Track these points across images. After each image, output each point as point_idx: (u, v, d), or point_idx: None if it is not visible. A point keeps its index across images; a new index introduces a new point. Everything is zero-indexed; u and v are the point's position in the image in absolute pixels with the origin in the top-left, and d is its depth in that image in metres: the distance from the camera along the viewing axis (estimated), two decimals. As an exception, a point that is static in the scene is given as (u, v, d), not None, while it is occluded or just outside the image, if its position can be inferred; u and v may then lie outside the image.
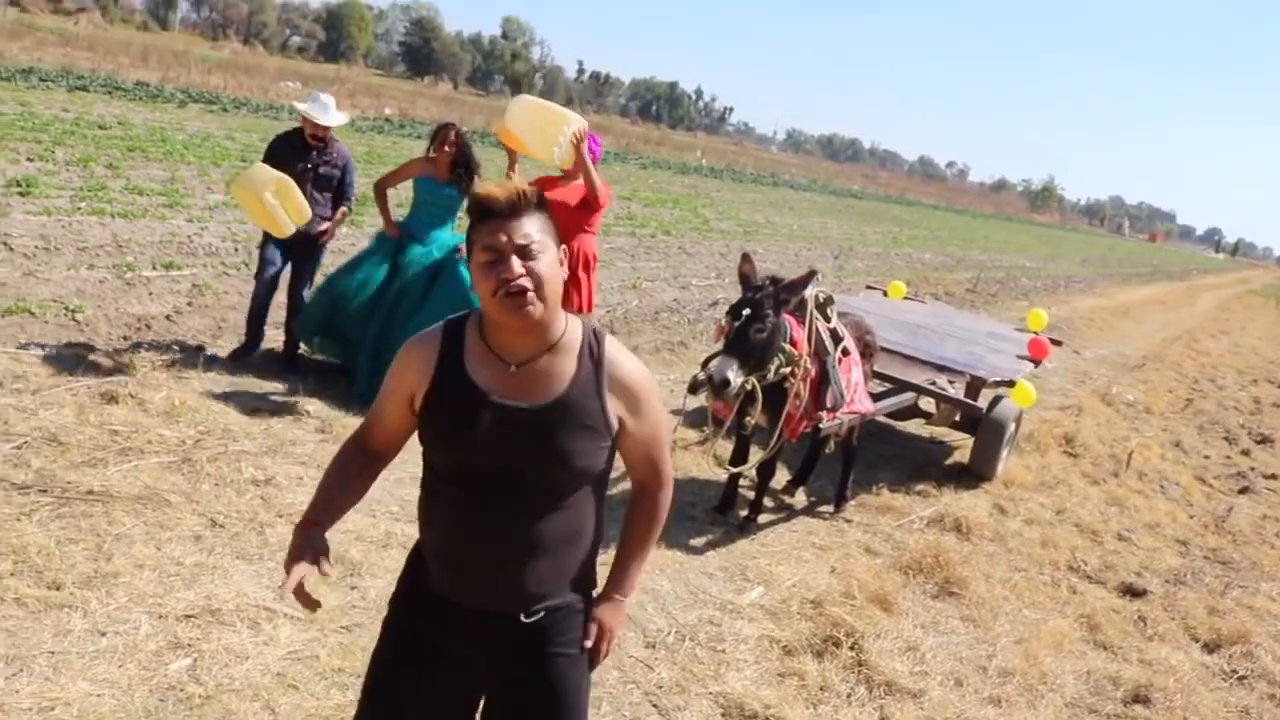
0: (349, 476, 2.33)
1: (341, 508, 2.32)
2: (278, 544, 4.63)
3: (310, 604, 2.16)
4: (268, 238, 7.08)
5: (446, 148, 6.95)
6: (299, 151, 6.99)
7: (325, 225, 7.16)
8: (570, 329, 2.21)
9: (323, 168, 7.05)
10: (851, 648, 4.72)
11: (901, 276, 17.47)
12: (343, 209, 7.23)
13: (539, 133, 6.19)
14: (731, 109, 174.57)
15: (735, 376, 5.26)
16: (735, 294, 5.78)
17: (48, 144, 14.49)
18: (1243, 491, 9.57)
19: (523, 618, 2.24)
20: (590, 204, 6.32)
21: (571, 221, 6.15)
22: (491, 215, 2.09)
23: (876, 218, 41.82)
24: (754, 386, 5.46)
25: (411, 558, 2.40)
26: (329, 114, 6.99)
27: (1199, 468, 10.19)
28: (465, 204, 7.15)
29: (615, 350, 2.25)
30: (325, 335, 7.20)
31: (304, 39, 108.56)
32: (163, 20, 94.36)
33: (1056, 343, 9.62)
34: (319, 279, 7.45)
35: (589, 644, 2.34)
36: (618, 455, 2.32)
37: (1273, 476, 10.34)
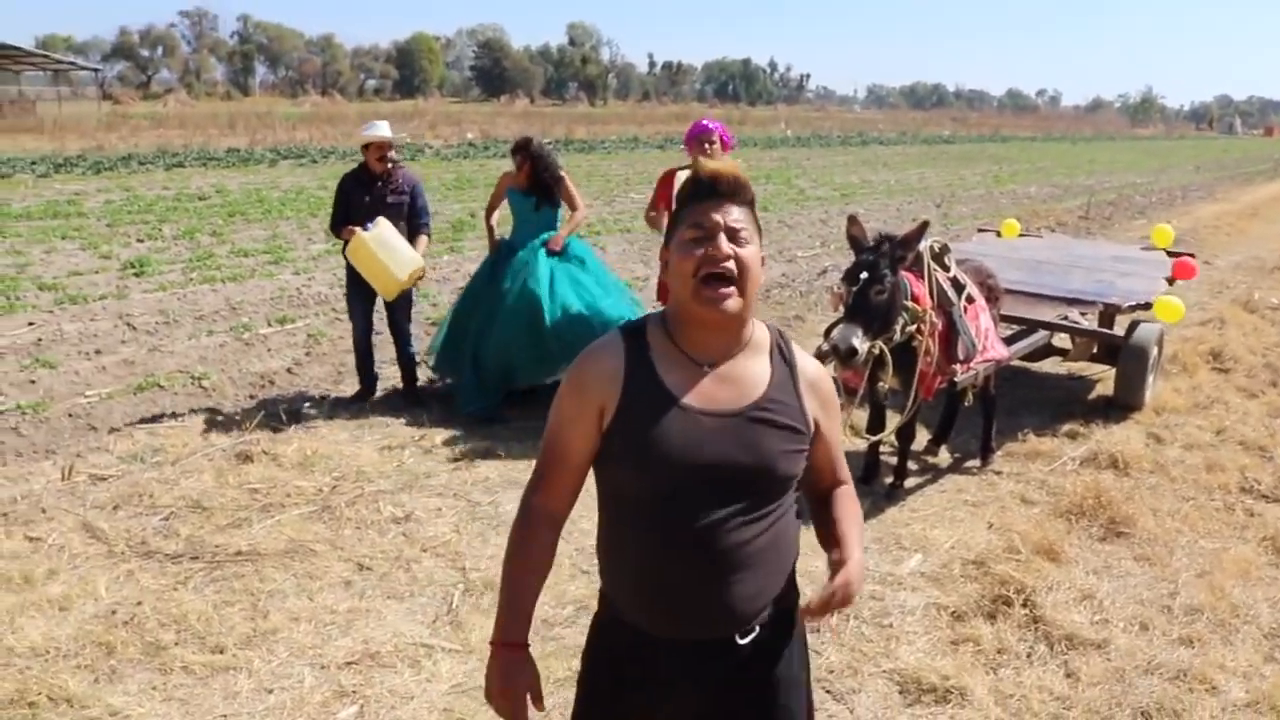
0: (538, 562, 2.07)
1: (534, 604, 2.09)
2: (425, 579, 4.65)
3: None
4: (351, 283, 7.12)
5: (522, 168, 7.05)
6: (364, 186, 7.02)
7: None
8: (758, 329, 2.10)
9: (390, 196, 7.01)
10: (1024, 605, 4.50)
11: (1009, 214, 16.94)
12: (421, 238, 7.11)
13: None
14: (808, 75, 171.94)
15: (860, 343, 5.07)
16: (845, 260, 5.60)
17: (154, 223, 15.01)
18: None
19: (738, 640, 2.05)
20: None
21: None
22: (710, 193, 1.97)
23: (973, 160, 40.73)
24: (882, 350, 5.27)
25: (602, 603, 2.20)
26: (383, 128, 7.03)
27: (1363, 364, 9.57)
28: (560, 212, 7.15)
29: (800, 350, 2.18)
30: (461, 365, 7.19)
31: (379, 80, 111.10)
32: (243, 86, 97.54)
33: (1190, 255, 9.15)
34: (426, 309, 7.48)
35: (812, 603, 2.02)
36: None
37: None
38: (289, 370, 7.98)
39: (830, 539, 2.18)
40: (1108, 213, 21.91)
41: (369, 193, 6.99)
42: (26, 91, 50.76)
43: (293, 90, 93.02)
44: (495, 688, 2.05)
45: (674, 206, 2.09)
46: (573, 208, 7.26)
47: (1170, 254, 8.99)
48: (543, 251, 7.03)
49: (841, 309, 5.33)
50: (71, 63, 61.05)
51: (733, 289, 1.94)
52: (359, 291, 7.09)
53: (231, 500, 5.44)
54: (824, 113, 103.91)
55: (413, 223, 7.10)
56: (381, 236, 6.76)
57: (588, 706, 2.20)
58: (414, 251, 6.91)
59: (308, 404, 7.19)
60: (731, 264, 1.94)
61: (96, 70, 65.77)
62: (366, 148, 7.01)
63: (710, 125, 6.69)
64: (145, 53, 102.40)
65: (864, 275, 5.13)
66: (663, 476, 1.97)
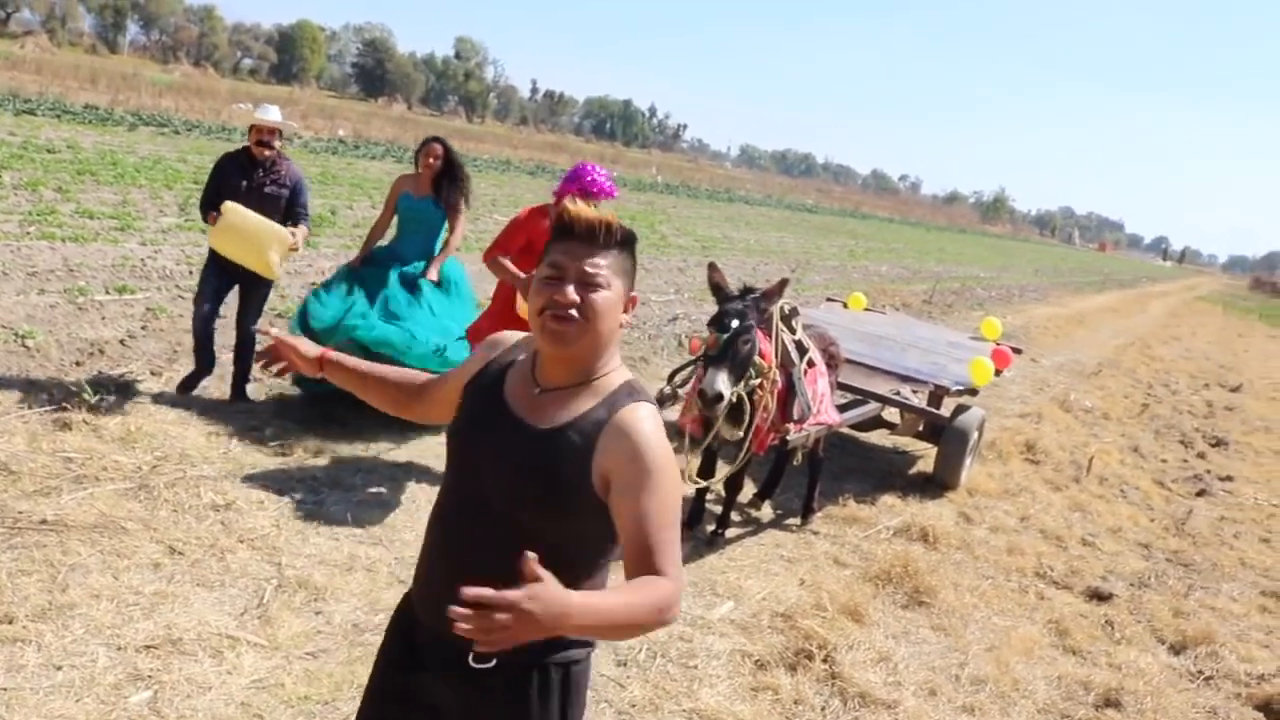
0: (391, 379, 2.43)
1: (361, 379, 2.43)
2: (239, 570, 4.55)
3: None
4: (212, 262, 6.78)
5: (432, 160, 6.87)
6: (243, 170, 6.67)
7: None
8: (611, 377, 2.11)
9: (268, 187, 6.67)
10: (824, 660, 4.69)
11: (859, 289, 17.54)
12: (301, 228, 6.77)
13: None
14: (685, 126, 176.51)
15: (727, 389, 5.21)
16: (697, 309, 5.75)
17: (-6, 169, 14.24)
18: (1200, 494, 9.67)
19: (470, 661, 1.99)
20: None
21: None
22: (568, 236, 2.05)
23: (832, 231, 42.09)
24: (740, 398, 5.43)
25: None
26: (274, 113, 6.75)
27: (1157, 472, 10.29)
28: (445, 217, 6.99)
29: (639, 413, 2.03)
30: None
31: (256, 61, 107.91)
32: (111, 43, 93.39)
33: (1016, 350, 9.69)
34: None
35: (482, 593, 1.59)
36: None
37: (1228, 479, 10.46)
38: (122, 341, 7.68)
39: None
40: (950, 300, 22.91)
41: (247, 178, 6.62)
42: None
43: (164, 56, 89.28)
44: None
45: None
46: (453, 227, 7.06)
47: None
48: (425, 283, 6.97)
49: (703, 353, 5.43)
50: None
51: (571, 327, 2.01)
52: (217, 270, 6.71)
53: (43, 467, 5.21)
54: (696, 164, 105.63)
55: (289, 214, 6.74)
56: (244, 213, 6.40)
57: (374, 667, 2.33)
58: (279, 226, 6.53)
59: (137, 379, 6.93)
60: (574, 311, 2.01)
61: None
62: (251, 129, 6.72)
63: (599, 179, 5.73)
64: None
65: (735, 324, 5.28)
66: (456, 463, 2.16)
